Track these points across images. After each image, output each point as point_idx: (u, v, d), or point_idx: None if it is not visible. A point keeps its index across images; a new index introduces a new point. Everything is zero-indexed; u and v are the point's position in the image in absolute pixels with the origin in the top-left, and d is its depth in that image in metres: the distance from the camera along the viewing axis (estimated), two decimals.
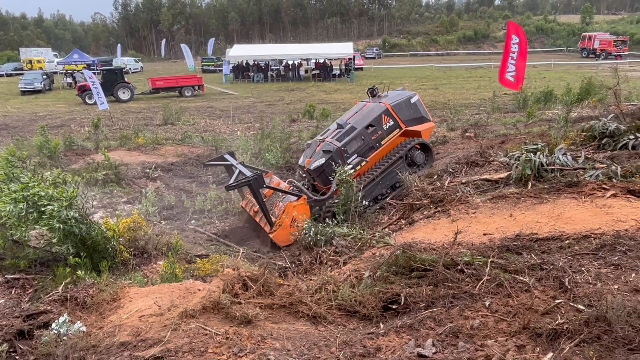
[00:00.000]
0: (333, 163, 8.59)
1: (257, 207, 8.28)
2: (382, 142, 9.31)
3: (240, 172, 8.49)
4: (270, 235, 7.88)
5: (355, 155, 8.98)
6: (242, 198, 9.61)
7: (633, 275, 3.59)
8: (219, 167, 10.44)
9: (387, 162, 9.19)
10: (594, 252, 4.08)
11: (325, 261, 6.10)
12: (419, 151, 9.60)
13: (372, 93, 10.41)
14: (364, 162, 9.02)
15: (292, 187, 8.95)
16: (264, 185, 8.13)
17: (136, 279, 5.12)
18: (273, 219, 8.03)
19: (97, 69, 31.56)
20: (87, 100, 27.79)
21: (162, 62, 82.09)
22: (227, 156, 9.56)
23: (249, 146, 13.16)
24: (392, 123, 9.38)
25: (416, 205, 7.04)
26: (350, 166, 8.53)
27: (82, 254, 5.33)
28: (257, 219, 8.54)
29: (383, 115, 9.36)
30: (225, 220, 9.29)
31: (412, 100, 9.84)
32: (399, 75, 41.08)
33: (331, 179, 8.40)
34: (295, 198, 8.25)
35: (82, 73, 38.76)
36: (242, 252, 7.06)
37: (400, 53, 78.59)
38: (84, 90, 28.16)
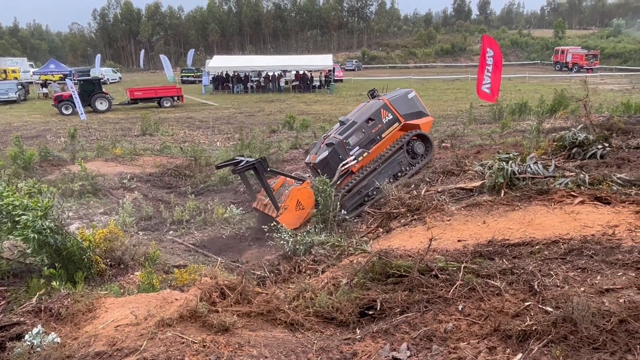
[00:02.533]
0: (336, 155, 9.16)
1: (266, 200, 8.73)
2: (383, 135, 9.77)
3: (246, 161, 8.94)
4: (278, 219, 8.21)
5: (358, 147, 9.45)
6: (254, 200, 9.81)
7: (598, 278, 3.72)
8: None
9: (389, 152, 9.63)
10: (562, 256, 4.21)
11: (304, 270, 6.13)
12: (419, 142, 10.03)
13: (373, 95, 10.96)
14: (366, 153, 9.49)
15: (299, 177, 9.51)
16: (268, 169, 8.66)
17: (112, 290, 5.07)
18: (279, 204, 8.47)
19: (74, 79, 31.13)
20: (64, 111, 27.43)
21: (141, 72, 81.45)
22: (239, 157, 10.00)
23: (229, 156, 13.15)
24: (391, 117, 9.85)
25: (394, 214, 7.15)
26: (353, 157, 9.14)
27: (57, 264, 5.25)
28: (266, 211, 8.87)
29: (382, 110, 9.84)
30: (203, 231, 9.25)
31: (410, 96, 10.38)
32: (378, 87, 41.44)
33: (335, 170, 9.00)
34: (300, 183, 8.74)
35: (58, 83, 38.31)
36: (221, 262, 7.04)
37: (379, 65, 79.53)
38: (60, 101, 27.78)
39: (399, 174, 9.70)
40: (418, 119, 10.14)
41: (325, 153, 9.39)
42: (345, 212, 8.60)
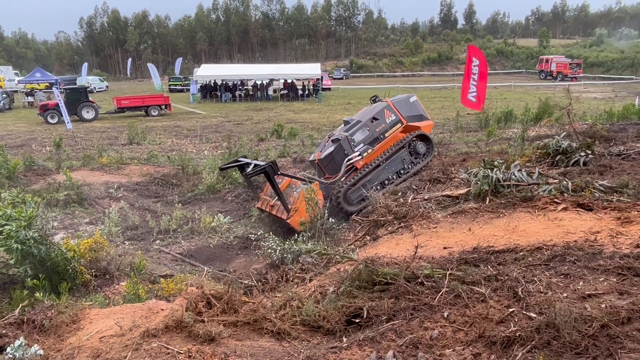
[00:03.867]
0: (342, 150, 9.54)
1: (273, 201, 8.94)
2: (386, 135, 10.16)
3: (255, 164, 9.06)
4: (288, 221, 8.46)
5: (362, 144, 9.83)
6: (257, 200, 9.97)
7: (581, 283, 3.77)
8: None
9: (393, 150, 10.00)
10: (546, 262, 4.27)
11: (291, 278, 6.13)
12: (421, 142, 10.42)
13: (375, 101, 11.49)
14: (370, 150, 9.84)
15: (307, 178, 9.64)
16: (278, 173, 8.86)
17: (97, 300, 5.02)
18: (289, 206, 8.66)
19: (61, 88, 30.87)
20: (49, 120, 27.17)
21: (128, 81, 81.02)
22: (242, 159, 10.18)
23: (217, 165, 13.12)
24: (394, 117, 10.29)
25: (381, 222, 7.18)
26: (358, 153, 9.52)
27: (40, 275, 5.19)
28: (274, 212, 9.02)
29: (385, 110, 10.29)
30: (190, 240, 9.19)
31: (411, 100, 10.91)
32: (366, 96, 41.59)
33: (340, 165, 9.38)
34: (308, 185, 8.81)
35: (43, 92, 37.94)
36: (207, 271, 7.00)
37: (367, 74, 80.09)
38: (45, 110, 27.51)
39: (402, 171, 10.09)
40: (419, 122, 10.63)
41: (331, 148, 9.79)
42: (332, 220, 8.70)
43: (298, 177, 9.42)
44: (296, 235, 7.89)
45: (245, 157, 10.59)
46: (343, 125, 10.57)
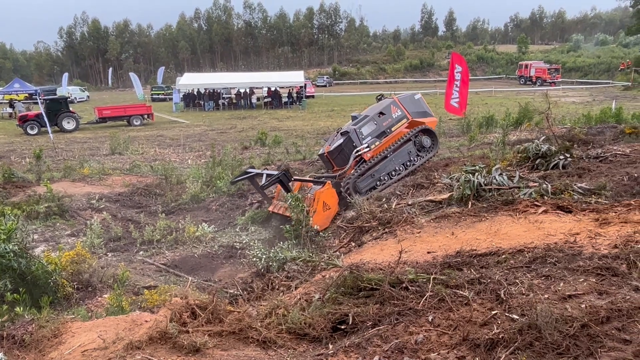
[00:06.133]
0: (350, 142, 10.00)
1: (287, 204, 9.11)
2: (392, 129, 10.57)
3: (267, 174, 9.51)
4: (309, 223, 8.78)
5: (370, 137, 10.26)
6: (269, 204, 10.26)
7: (561, 284, 3.84)
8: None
9: (399, 143, 10.41)
10: (527, 264, 4.34)
11: (277, 286, 6.11)
12: (426, 136, 10.83)
13: (380, 99, 11.94)
14: (378, 142, 10.27)
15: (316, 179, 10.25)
16: (292, 179, 9.37)
17: (79, 313, 4.94)
18: (307, 208, 8.96)
19: (40, 99, 30.44)
20: (29, 131, 26.75)
21: (109, 91, 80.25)
22: (250, 169, 10.54)
23: (200, 174, 13.04)
24: (399, 113, 10.74)
25: (365, 228, 7.22)
26: (366, 144, 9.96)
27: (21, 289, 5.08)
28: (289, 214, 9.21)
29: (391, 106, 10.75)
30: (175, 250, 9.10)
31: (416, 97, 11.42)
32: (350, 103, 42.03)
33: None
34: (321, 185, 9.35)
35: (23, 103, 37.34)
36: (192, 282, 6.94)
37: (350, 81, 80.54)
38: (25, 121, 27.10)
39: (408, 163, 10.50)
40: (424, 118, 11.03)
41: (340, 140, 10.24)
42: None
43: (310, 180, 9.97)
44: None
45: (252, 167, 10.98)
46: (351, 120, 11.06)
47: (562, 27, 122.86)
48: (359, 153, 9.99)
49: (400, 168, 10.39)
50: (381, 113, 10.62)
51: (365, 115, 10.76)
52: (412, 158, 10.66)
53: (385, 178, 10.14)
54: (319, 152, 11.26)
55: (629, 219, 5.10)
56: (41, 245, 8.58)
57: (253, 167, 10.91)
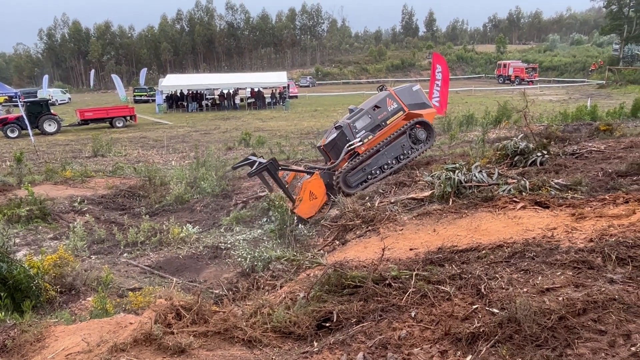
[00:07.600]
0: (344, 136, 10.10)
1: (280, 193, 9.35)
2: (388, 122, 10.54)
3: (259, 163, 9.67)
4: (295, 211, 8.91)
5: (364, 130, 10.27)
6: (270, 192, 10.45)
7: (539, 278, 3.94)
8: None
9: (393, 136, 10.44)
10: (507, 259, 4.43)
11: (262, 286, 6.13)
12: (421, 129, 10.77)
13: (381, 90, 11.82)
14: (371, 136, 10.26)
15: (307, 169, 10.39)
16: (280, 167, 9.55)
17: (63, 317, 4.90)
18: (294, 197, 9.27)
19: (21, 101, 29.92)
20: (9, 134, 26.35)
21: (91, 93, 79.06)
22: (252, 157, 10.66)
23: (184, 175, 12.97)
24: (395, 105, 10.66)
25: (349, 226, 7.28)
26: (359, 139, 10.00)
27: (2, 294, 5.03)
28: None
29: (387, 99, 10.68)
30: (159, 252, 9.04)
31: (414, 89, 11.28)
32: (333, 103, 42.16)
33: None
34: (309, 175, 9.58)
35: (2, 105, 36.62)
36: (177, 283, 6.92)
37: (333, 81, 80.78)
38: (5, 124, 26.66)
39: (401, 157, 10.50)
40: (422, 110, 10.96)
41: (334, 135, 10.34)
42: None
43: (300, 170, 10.15)
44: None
45: (254, 154, 11.02)
46: (348, 113, 11.11)
47: (539, 27, 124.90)
48: (352, 147, 10.03)
49: (393, 162, 10.39)
50: (376, 106, 10.58)
51: (361, 108, 10.77)
52: (405, 151, 10.61)
53: (377, 172, 10.15)
54: (317, 144, 11.46)
55: (603, 213, 5.24)
56: (23, 249, 8.46)
57: (254, 155, 10.90)
